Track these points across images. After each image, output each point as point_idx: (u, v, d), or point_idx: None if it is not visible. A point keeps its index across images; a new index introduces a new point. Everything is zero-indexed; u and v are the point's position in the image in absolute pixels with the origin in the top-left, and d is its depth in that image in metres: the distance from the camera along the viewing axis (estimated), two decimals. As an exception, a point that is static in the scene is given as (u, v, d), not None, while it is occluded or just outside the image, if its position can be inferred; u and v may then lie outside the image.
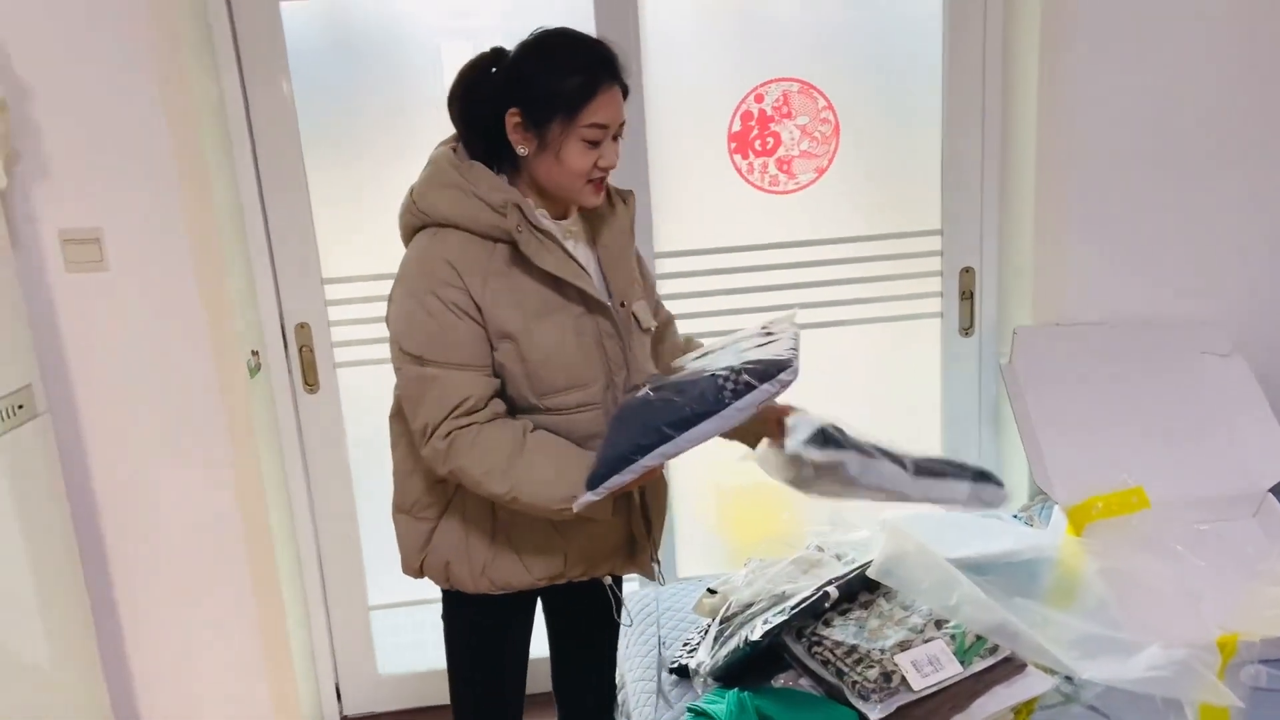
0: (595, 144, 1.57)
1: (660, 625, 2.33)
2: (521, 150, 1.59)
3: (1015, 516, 2.45)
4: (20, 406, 2.18)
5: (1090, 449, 2.33)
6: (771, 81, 2.53)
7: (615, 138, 1.61)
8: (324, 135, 2.49)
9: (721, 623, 2.11)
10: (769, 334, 1.73)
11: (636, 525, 1.80)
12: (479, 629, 1.82)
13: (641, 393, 1.58)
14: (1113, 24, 2.37)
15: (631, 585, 2.73)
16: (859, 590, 2.02)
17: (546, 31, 1.60)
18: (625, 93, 1.60)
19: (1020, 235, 2.55)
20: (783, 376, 1.56)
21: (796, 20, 2.52)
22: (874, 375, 2.76)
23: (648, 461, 1.52)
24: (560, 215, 1.68)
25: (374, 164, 2.50)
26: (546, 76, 1.55)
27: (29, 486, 2.20)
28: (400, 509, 1.78)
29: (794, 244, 2.62)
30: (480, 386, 1.58)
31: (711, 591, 2.25)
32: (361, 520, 2.71)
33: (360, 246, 2.55)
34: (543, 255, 1.58)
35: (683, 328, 2.57)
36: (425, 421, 1.58)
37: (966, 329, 2.71)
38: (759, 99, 2.53)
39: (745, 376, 1.53)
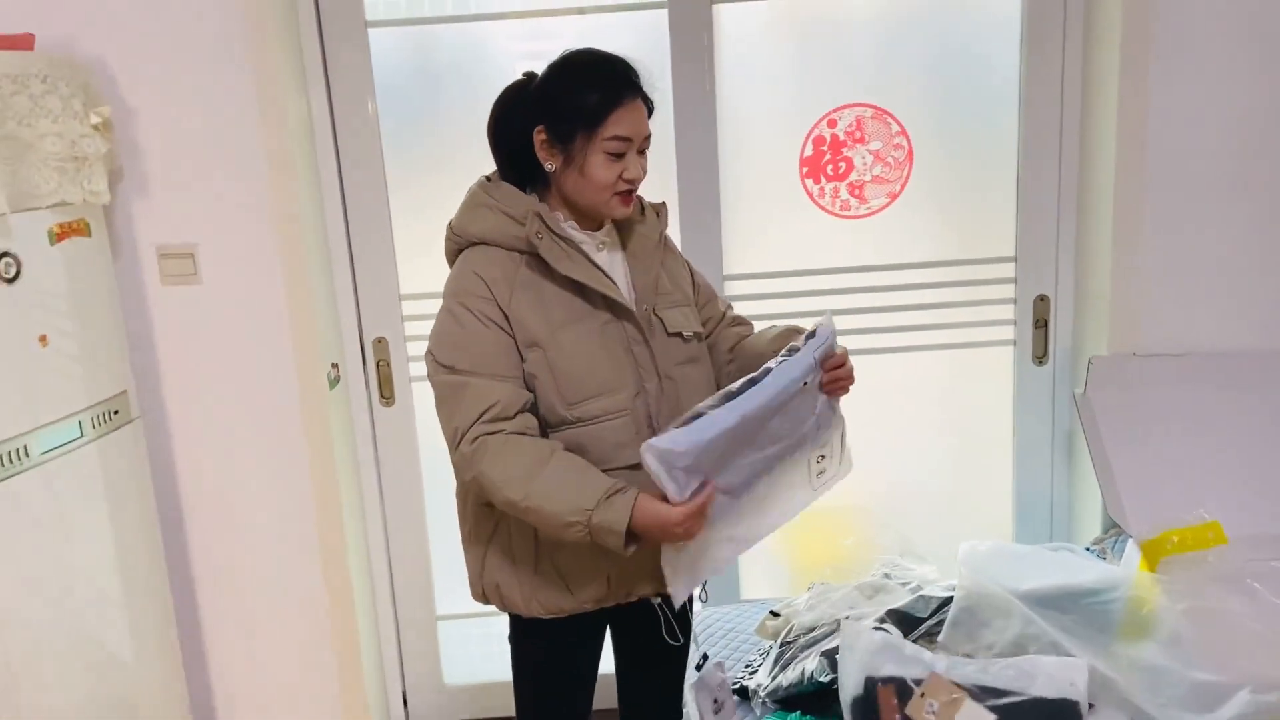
0: (618, 156, 1.63)
1: (721, 645, 2.35)
2: (549, 166, 1.66)
3: (1088, 549, 2.41)
4: (116, 412, 2.28)
5: (1166, 482, 2.28)
6: (845, 107, 2.54)
7: (641, 151, 1.66)
8: (405, 154, 2.57)
9: (782, 645, 2.12)
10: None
11: None
12: (541, 652, 1.85)
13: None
14: (1194, 49, 2.33)
15: (695, 604, 2.74)
16: (924, 622, 2.02)
17: (572, 51, 1.67)
18: (650, 108, 1.67)
19: (1097, 263, 2.51)
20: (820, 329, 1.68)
21: (870, 46, 2.53)
22: (944, 403, 2.73)
23: (720, 420, 1.51)
24: (592, 228, 1.73)
25: (451, 183, 2.53)
26: (569, 93, 1.62)
27: (121, 487, 2.30)
28: (463, 536, 1.83)
29: (864, 269, 2.62)
30: (509, 394, 1.62)
31: (774, 614, 2.26)
32: (431, 532, 2.77)
33: (436, 264, 2.60)
34: (564, 261, 1.64)
35: (750, 350, 2.62)
36: (455, 426, 1.62)
37: (1040, 358, 2.68)
38: (831, 124, 2.55)
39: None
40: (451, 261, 1.75)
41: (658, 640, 1.93)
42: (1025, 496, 2.76)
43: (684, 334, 1.76)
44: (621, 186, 1.65)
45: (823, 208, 2.59)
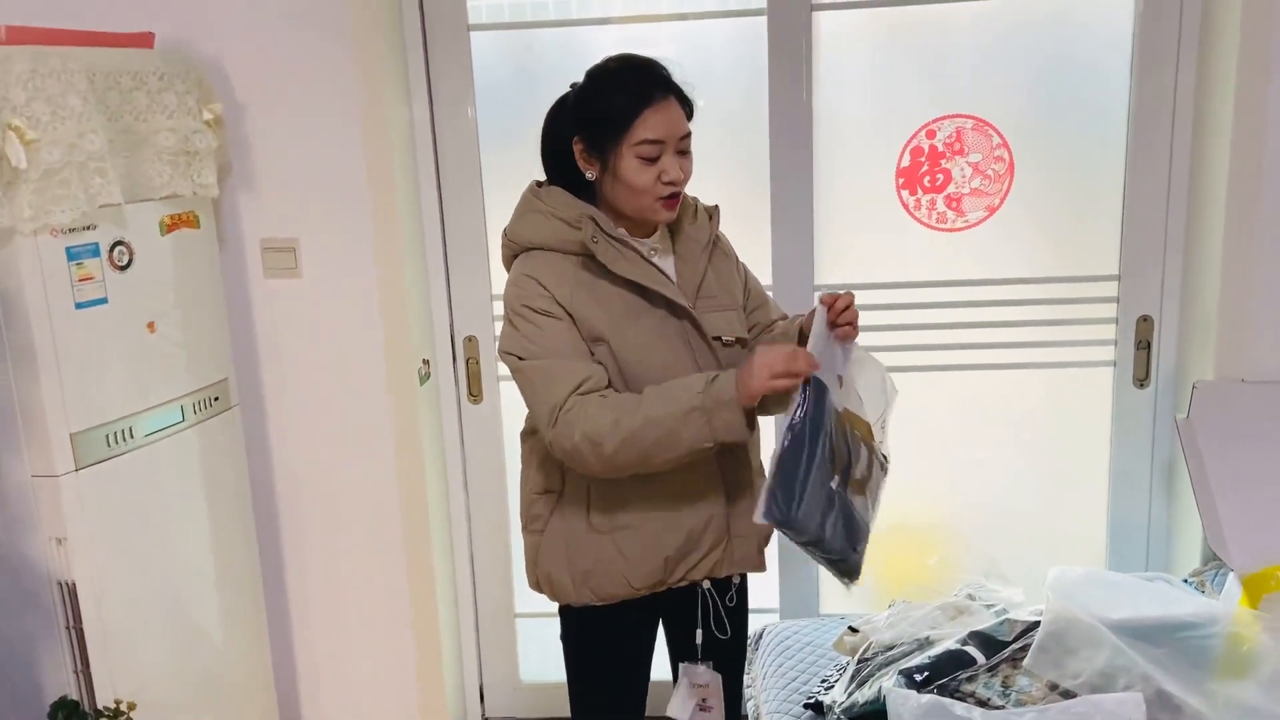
0: (652, 160, 1.63)
1: (798, 659, 2.32)
2: (589, 175, 1.69)
3: (1186, 581, 2.31)
4: (216, 398, 2.37)
5: (1272, 514, 2.18)
6: (945, 117, 2.49)
7: (682, 152, 1.67)
8: (502, 157, 2.61)
9: (860, 662, 2.08)
10: None
11: (734, 515, 1.81)
12: (592, 642, 1.87)
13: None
14: (1320, 66, 2.23)
15: (771, 617, 2.72)
16: (1008, 646, 1.97)
17: (604, 59, 1.70)
18: (688, 108, 1.68)
19: (1205, 284, 2.42)
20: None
21: (972, 56, 2.48)
22: (1039, 423, 2.66)
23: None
24: (643, 234, 1.74)
25: (547, 187, 2.61)
26: (598, 101, 1.65)
27: (218, 472, 2.38)
28: (521, 526, 1.88)
29: (960, 283, 2.57)
30: (595, 371, 1.65)
31: (853, 630, 2.23)
32: (513, 530, 2.81)
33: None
34: (620, 262, 1.67)
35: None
36: (551, 404, 1.64)
37: (1142, 380, 2.59)
38: (930, 134, 2.50)
39: None
40: (508, 267, 1.78)
41: (712, 636, 1.92)
42: (1120, 524, 2.67)
43: (723, 339, 1.76)
44: (662, 191, 1.66)
45: (919, 220, 2.55)
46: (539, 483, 1.81)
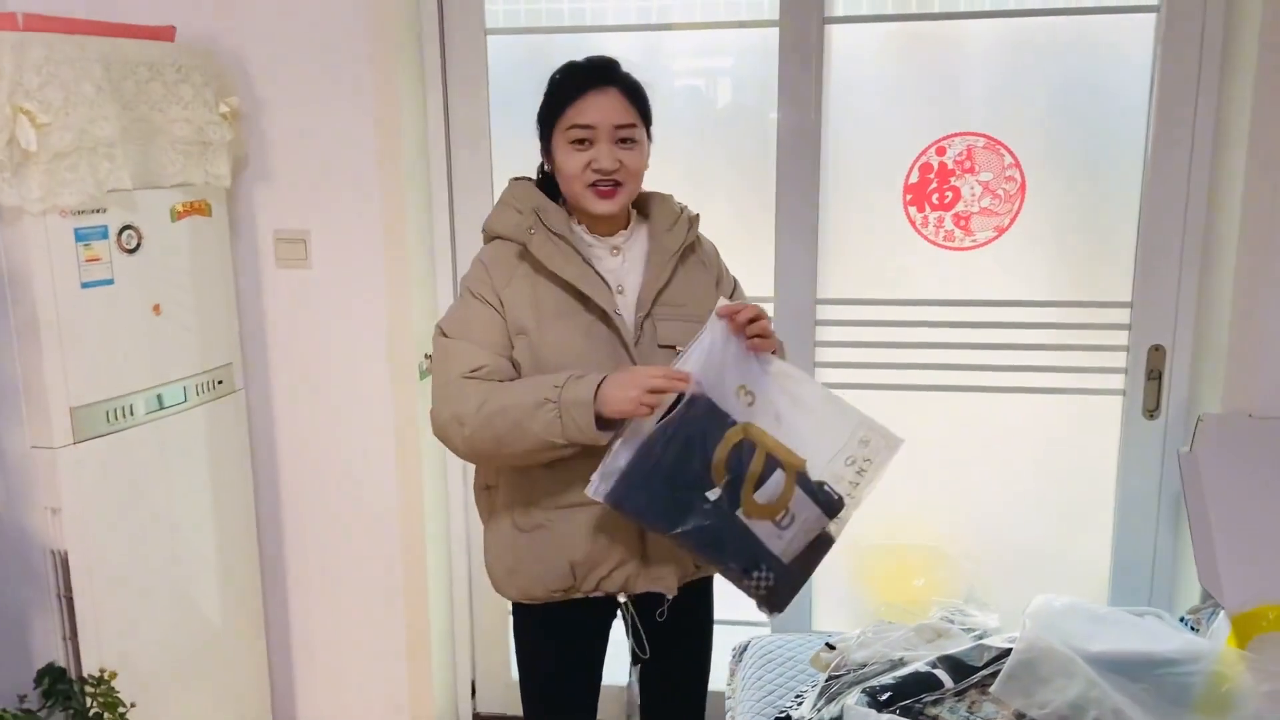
0: (582, 144, 1.67)
1: (778, 673, 2.31)
2: (548, 168, 1.74)
3: (1182, 619, 2.26)
4: (220, 382, 2.43)
5: (1270, 554, 2.11)
6: (955, 135, 2.47)
7: (624, 142, 1.68)
8: (513, 160, 2.63)
9: (830, 679, 2.07)
10: None
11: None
12: (532, 642, 1.88)
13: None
14: (1342, 95, 2.16)
15: (762, 630, 2.70)
16: (978, 672, 1.94)
17: None
18: (633, 97, 1.70)
19: (1218, 316, 2.35)
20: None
21: (988, 74, 2.45)
22: (1043, 450, 2.60)
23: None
24: (605, 232, 1.76)
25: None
26: (545, 95, 1.73)
27: (220, 453, 2.45)
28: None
29: (965, 303, 2.53)
30: (496, 362, 1.68)
31: (830, 646, 2.21)
32: (511, 528, 2.83)
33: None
34: (554, 258, 1.68)
35: (837, 376, 2.58)
36: (441, 381, 1.69)
37: (1152, 411, 2.52)
38: (940, 151, 2.48)
39: None
40: None
41: (673, 653, 1.92)
42: (1124, 556, 2.60)
43: (676, 347, 1.73)
44: (590, 177, 1.67)
45: (925, 237, 2.52)
46: (480, 478, 1.84)
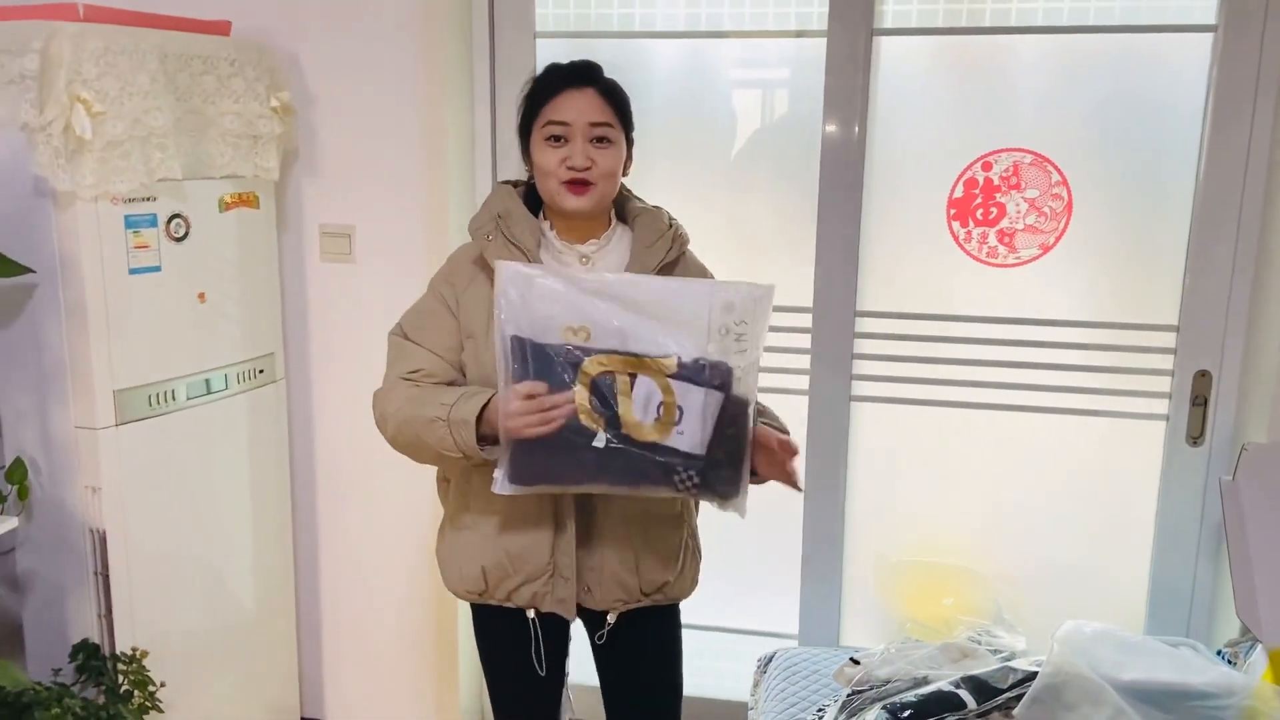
0: (558, 141, 1.68)
1: (801, 686, 2.29)
2: (528, 172, 1.75)
3: (1219, 652, 2.20)
4: (261, 371, 2.47)
5: (1311, 590, 2.06)
6: (1002, 150, 2.44)
7: (600, 141, 1.68)
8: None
9: (851, 694, 2.05)
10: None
11: (561, 550, 1.76)
12: (480, 639, 1.91)
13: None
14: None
15: (790, 642, 2.69)
16: (1002, 694, 1.91)
17: None
18: (612, 98, 1.71)
19: (1267, 343, 2.30)
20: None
21: (1037, 89, 2.42)
22: (1083, 473, 2.56)
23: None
24: (579, 239, 1.75)
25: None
26: (524, 96, 1.74)
27: (257, 441, 2.49)
28: None
29: (1007, 320, 2.50)
30: (439, 367, 1.72)
31: (854, 661, 2.19)
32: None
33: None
34: None
35: (875, 389, 2.56)
36: (385, 377, 1.76)
37: (1195, 438, 2.47)
38: (986, 167, 2.45)
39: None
40: None
41: (637, 684, 1.93)
42: (1162, 586, 2.55)
43: None
44: (564, 174, 1.67)
45: (968, 252, 2.50)
46: (439, 471, 1.87)
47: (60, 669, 2.15)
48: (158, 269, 2.16)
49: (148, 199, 2.12)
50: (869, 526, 2.66)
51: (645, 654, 1.92)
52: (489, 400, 1.61)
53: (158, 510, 2.24)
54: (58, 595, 2.19)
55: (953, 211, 2.49)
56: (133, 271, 2.12)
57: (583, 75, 1.71)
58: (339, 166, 2.56)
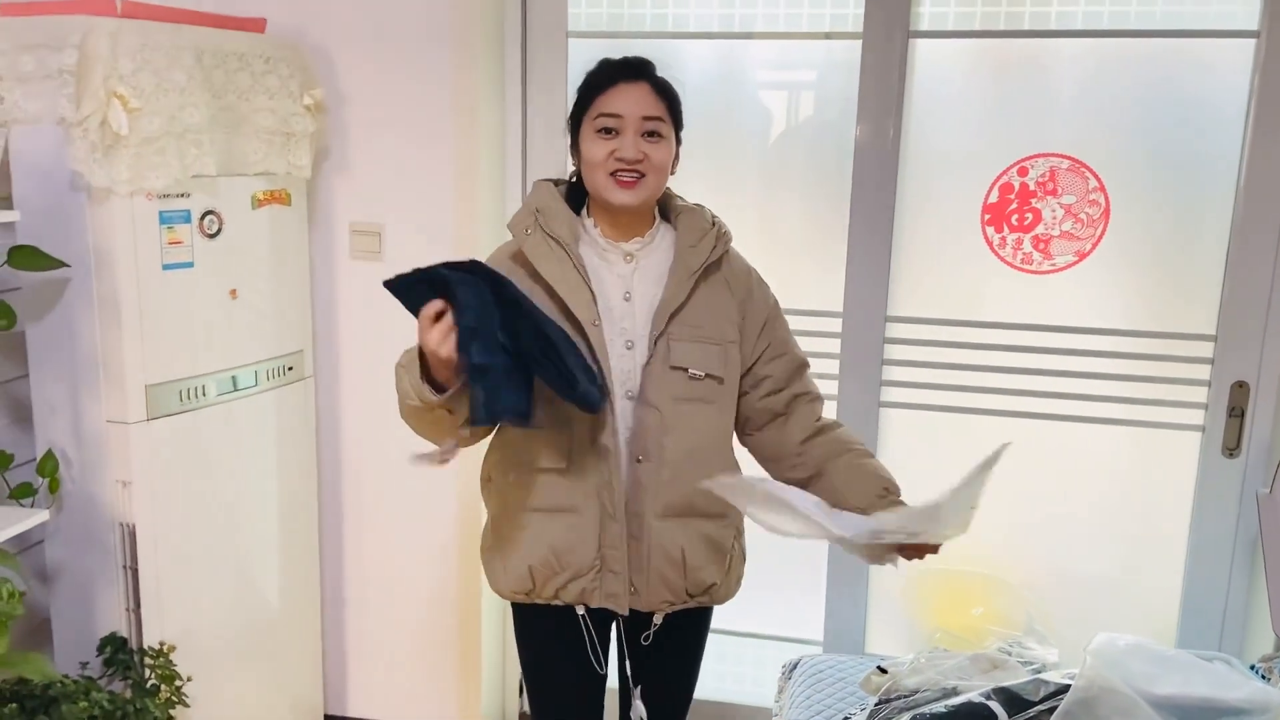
0: (609, 133, 1.66)
1: (827, 693, 2.28)
2: (575, 165, 1.75)
3: (1253, 667, 2.17)
4: (290, 368, 2.48)
5: (1350, 606, 2.02)
6: (1039, 155, 2.41)
7: (650, 135, 1.67)
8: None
9: (880, 703, 2.03)
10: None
11: (609, 544, 1.72)
12: (521, 638, 1.89)
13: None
14: None
15: (814, 648, 2.67)
16: (1033, 706, 1.88)
17: None
18: (664, 94, 1.70)
19: (1308, 354, 2.27)
20: None
21: (1075, 94, 2.39)
22: (1116, 483, 2.53)
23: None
24: (622, 237, 1.74)
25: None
26: (578, 89, 1.72)
27: (285, 437, 2.49)
28: None
29: (1041, 328, 2.47)
30: None
31: (882, 670, 2.17)
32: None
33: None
34: (541, 259, 1.69)
35: (904, 396, 2.54)
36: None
37: (1232, 450, 2.43)
38: (1022, 172, 2.42)
39: None
40: None
41: (656, 680, 1.89)
42: (1195, 598, 2.51)
43: (690, 370, 1.70)
44: (613, 165, 1.67)
45: (1002, 258, 2.47)
46: (483, 470, 1.85)
47: (87, 662, 2.16)
48: (190, 265, 2.17)
49: (182, 195, 2.13)
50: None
51: (675, 656, 1.90)
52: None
53: (187, 505, 2.24)
54: (86, 588, 2.20)
55: (987, 217, 2.46)
56: (166, 267, 2.12)
57: (636, 70, 1.70)
58: (370, 165, 2.56)
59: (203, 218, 2.19)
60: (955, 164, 2.47)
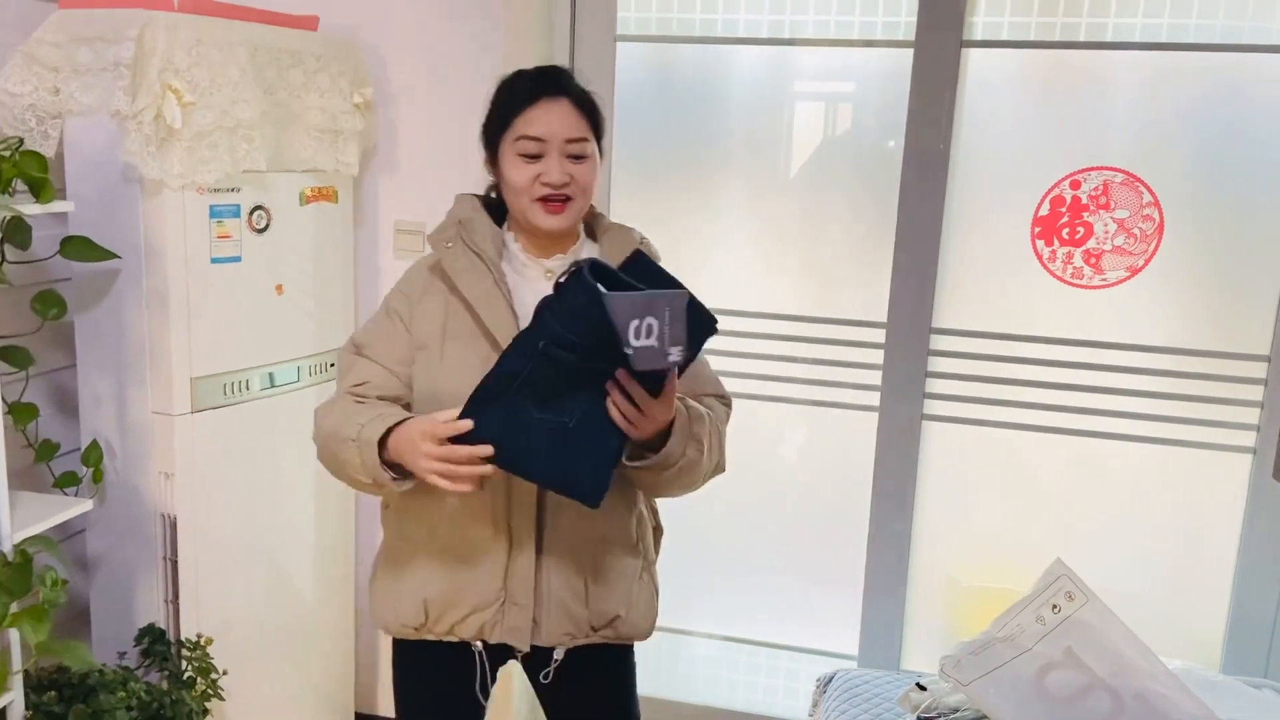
0: (532, 157, 1.57)
1: (863, 709, 2.24)
2: (492, 178, 1.66)
3: (1301, 696, 2.12)
4: (332, 364, 2.48)
5: None
6: (1092, 169, 2.37)
7: (576, 157, 1.58)
8: (632, 165, 2.64)
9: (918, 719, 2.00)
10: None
11: (515, 575, 1.61)
12: (406, 675, 1.77)
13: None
14: None
15: (848, 662, 2.64)
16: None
17: None
18: (586, 108, 1.60)
19: (1366, 377, 2.21)
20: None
21: (1130, 107, 2.35)
22: (1162, 503, 2.48)
23: None
24: (543, 254, 1.65)
25: (669, 196, 2.62)
26: (493, 104, 1.63)
27: (325, 435, 2.49)
28: None
29: (1090, 344, 2.43)
30: (383, 379, 1.60)
31: (921, 687, 2.13)
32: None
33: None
34: (461, 274, 1.59)
35: (947, 409, 2.51)
36: (336, 390, 1.65)
37: (1284, 473, 2.38)
38: (1075, 185, 2.39)
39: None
40: None
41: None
42: (1242, 624, 2.46)
43: None
44: (539, 190, 1.57)
45: (1051, 272, 2.43)
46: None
47: (125, 652, 2.17)
48: (238, 259, 2.18)
49: (232, 189, 2.14)
50: (936, 548, 2.61)
51: (594, 699, 1.74)
52: (401, 422, 1.49)
53: (227, 498, 2.25)
54: (126, 579, 2.21)
55: (1037, 229, 2.43)
56: (214, 261, 2.13)
57: (557, 84, 1.60)
58: (415, 163, 2.57)
59: (252, 212, 2.20)
60: (1006, 175, 2.44)
